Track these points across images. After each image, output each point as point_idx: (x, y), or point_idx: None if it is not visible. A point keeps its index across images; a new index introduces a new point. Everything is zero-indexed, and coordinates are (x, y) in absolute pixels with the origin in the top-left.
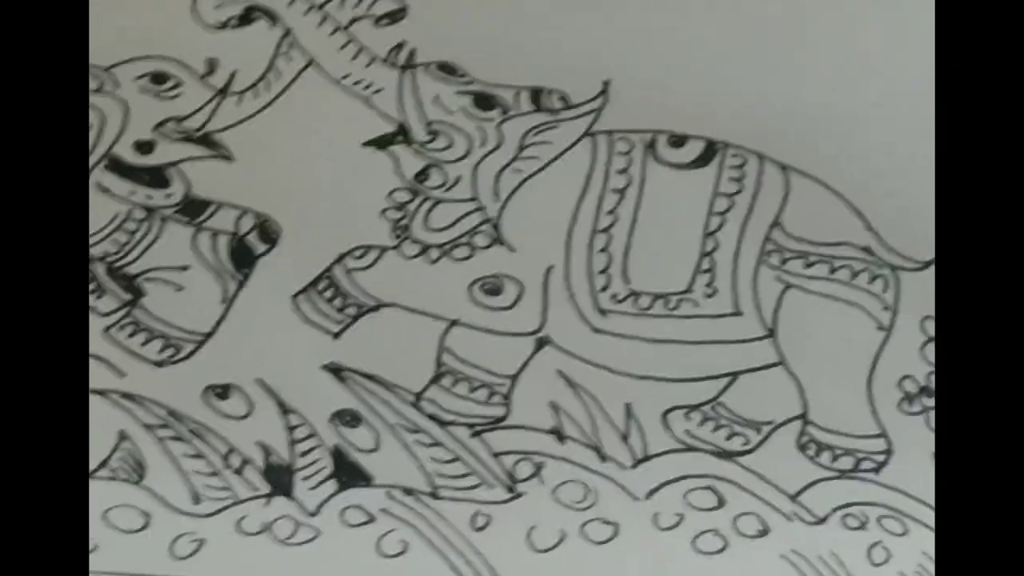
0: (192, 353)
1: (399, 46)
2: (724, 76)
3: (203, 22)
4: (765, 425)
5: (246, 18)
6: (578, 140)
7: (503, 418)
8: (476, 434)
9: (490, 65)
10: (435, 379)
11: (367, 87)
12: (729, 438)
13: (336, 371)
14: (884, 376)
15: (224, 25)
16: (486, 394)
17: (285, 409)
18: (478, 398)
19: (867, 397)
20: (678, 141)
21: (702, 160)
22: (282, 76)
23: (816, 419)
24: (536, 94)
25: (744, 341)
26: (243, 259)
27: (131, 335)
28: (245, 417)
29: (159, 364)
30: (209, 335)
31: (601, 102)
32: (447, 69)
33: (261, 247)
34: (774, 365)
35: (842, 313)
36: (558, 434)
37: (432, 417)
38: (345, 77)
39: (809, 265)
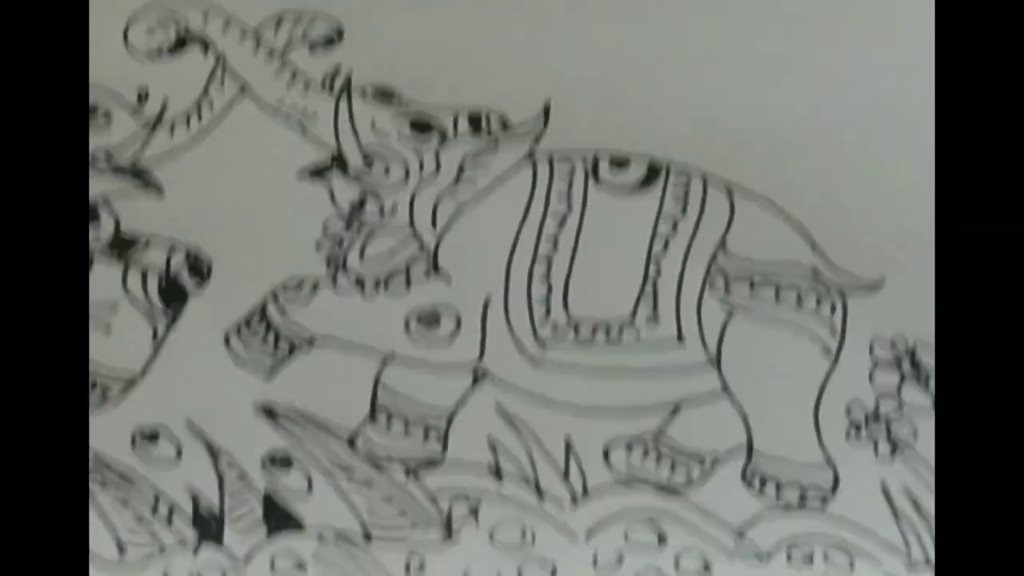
0: (121, 395)
1: (335, 70)
2: (667, 93)
3: (135, 50)
4: (709, 457)
5: (179, 45)
6: (518, 164)
7: (439, 456)
8: (411, 473)
9: (428, 87)
10: (370, 417)
11: (302, 113)
12: (671, 471)
13: (269, 411)
14: (831, 403)
15: (156, 53)
16: (422, 431)
17: (215, 452)
18: (414, 436)
19: (814, 425)
20: (620, 161)
21: (645, 182)
22: (215, 105)
23: (762, 449)
24: (475, 117)
25: (687, 369)
26: (174, 296)
27: None
28: (174, 461)
29: None
30: (139, 376)
31: (541, 123)
32: (384, 93)
33: (192, 283)
34: (718, 394)
35: (788, 338)
36: (496, 472)
37: (366, 457)
38: (280, 104)
39: (754, 288)
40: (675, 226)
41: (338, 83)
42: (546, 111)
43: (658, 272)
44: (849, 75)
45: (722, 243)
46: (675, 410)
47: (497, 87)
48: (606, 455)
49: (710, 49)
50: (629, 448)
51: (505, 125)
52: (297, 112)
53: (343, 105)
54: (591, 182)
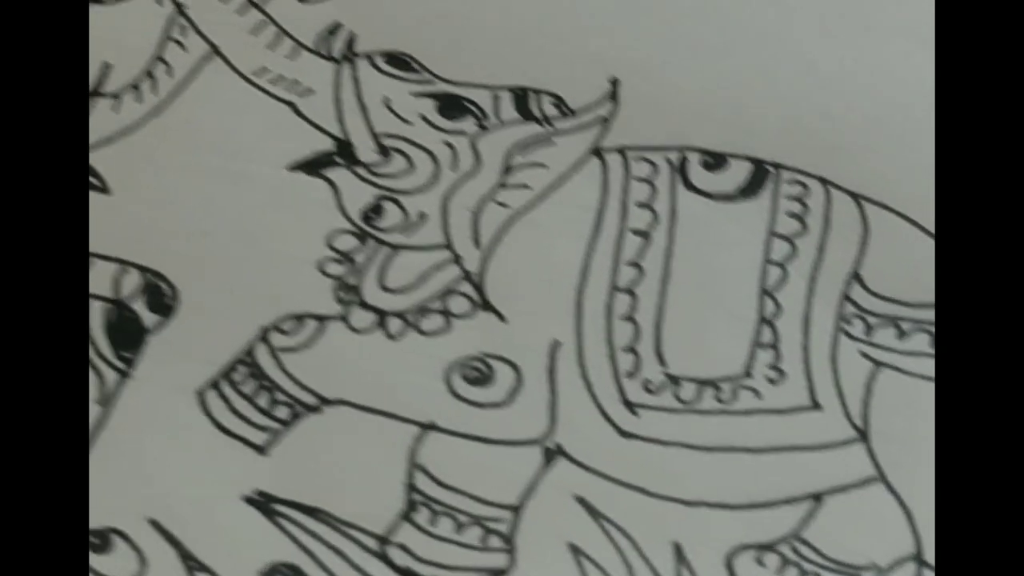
0: None
1: (333, 29)
2: (772, 74)
3: None
4: (865, 571)
5: None
6: (581, 161)
7: (505, 571)
8: None
9: (457, 57)
10: (405, 514)
11: (292, 87)
12: None
13: (264, 504)
14: None
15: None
16: (479, 535)
17: (191, 564)
18: (468, 541)
19: None
20: (714, 162)
21: (749, 188)
22: (173, 71)
23: (933, 561)
24: (521, 97)
25: (827, 447)
26: (126, 337)
27: None
28: None
29: None
30: None
31: (610, 108)
32: (399, 62)
33: (151, 319)
34: (870, 481)
35: None
36: None
37: (404, 572)
38: (260, 72)
39: (904, 335)
40: (793, 247)
41: (338, 46)
42: (614, 92)
43: (777, 309)
44: None
45: (855, 273)
46: (815, 504)
47: (549, 59)
48: (729, 567)
49: (831, 15)
50: (759, 559)
51: (562, 110)
52: (284, 84)
53: (346, 76)
54: (679, 187)
